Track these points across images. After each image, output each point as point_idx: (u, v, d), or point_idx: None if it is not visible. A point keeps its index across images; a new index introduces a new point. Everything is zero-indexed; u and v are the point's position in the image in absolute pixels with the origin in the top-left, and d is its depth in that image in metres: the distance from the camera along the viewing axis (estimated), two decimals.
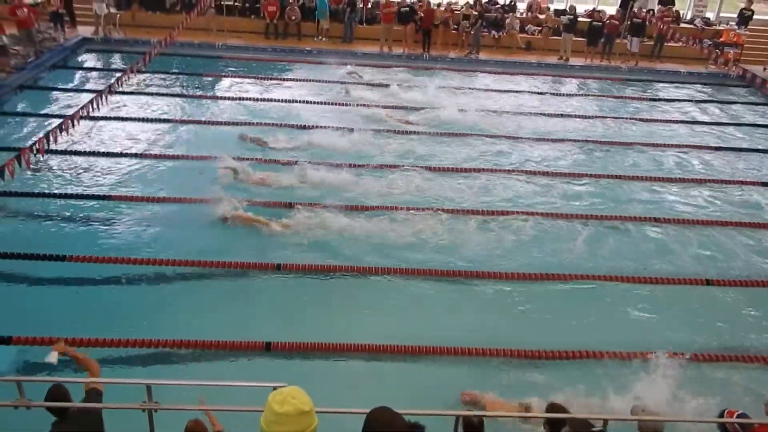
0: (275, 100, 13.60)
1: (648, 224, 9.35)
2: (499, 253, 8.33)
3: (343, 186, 9.73)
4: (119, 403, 4.10)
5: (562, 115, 13.93)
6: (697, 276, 8.07)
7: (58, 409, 4.01)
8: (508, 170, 10.85)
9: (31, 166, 9.65)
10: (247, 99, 13.62)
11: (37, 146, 9.73)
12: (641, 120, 14.05)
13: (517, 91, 15.55)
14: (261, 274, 7.59)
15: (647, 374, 6.04)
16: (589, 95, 15.84)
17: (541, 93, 15.64)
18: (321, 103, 13.52)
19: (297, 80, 15.03)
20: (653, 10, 19.55)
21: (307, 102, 13.50)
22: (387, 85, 14.73)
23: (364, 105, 13.36)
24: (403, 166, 10.60)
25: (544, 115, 13.87)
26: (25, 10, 14.61)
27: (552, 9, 20.34)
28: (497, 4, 20.12)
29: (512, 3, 20.14)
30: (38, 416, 3.98)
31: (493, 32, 18.85)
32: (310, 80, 14.95)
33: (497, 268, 7.91)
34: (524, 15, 19.91)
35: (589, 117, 14.00)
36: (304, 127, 11.89)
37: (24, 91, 13.24)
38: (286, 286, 7.45)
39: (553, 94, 15.73)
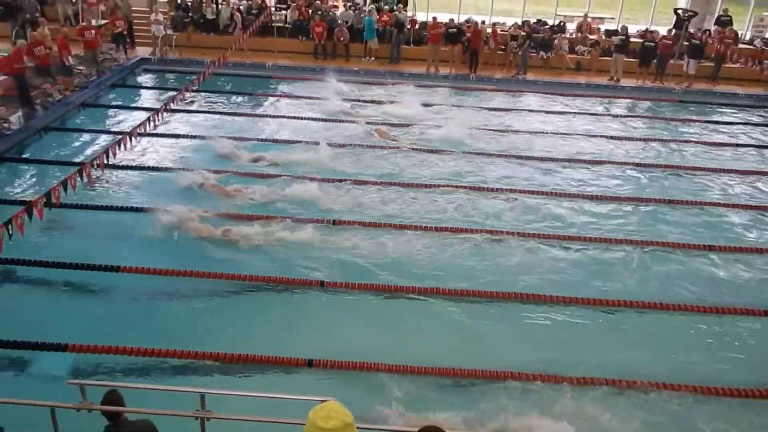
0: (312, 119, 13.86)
1: (702, 251, 8.98)
2: (557, 277, 8.18)
3: (387, 205, 9.91)
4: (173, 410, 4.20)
5: (612, 137, 13.65)
6: (756, 307, 7.69)
7: (111, 413, 4.15)
8: (555, 193, 10.65)
9: (92, 180, 10.09)
10: (295, 117, 13.91)
11: (98, 161, 10.18)
12: (695, 143, 13.64)
13: (565, 113, 15.37)
14: (306, 290, 7.66)
15: (701, 408, 5.78)
16: (641, 116, 15.49)
17: (591, 114, 15.41)
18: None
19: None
20: (710, 31, 19.05)
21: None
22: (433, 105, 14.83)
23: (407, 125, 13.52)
24: (444, 186, 10.63)
25: (594, 136, 13.63)
26: (93, 32, 15.42)
27: (603, 29, 20.08)
28: (546, 24, 20.03)
29: (561, 23, 19.99)
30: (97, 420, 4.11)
31: (542, 53, 18.74)
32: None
33: (551, 292, 7.72)
34: (574, 35, 19.72)
35: (641, 139, 13.68)
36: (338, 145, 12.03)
37: (85, 108, 13.87)
38: (330, 303, 7.49)
39: (604, 115, 15.47)
